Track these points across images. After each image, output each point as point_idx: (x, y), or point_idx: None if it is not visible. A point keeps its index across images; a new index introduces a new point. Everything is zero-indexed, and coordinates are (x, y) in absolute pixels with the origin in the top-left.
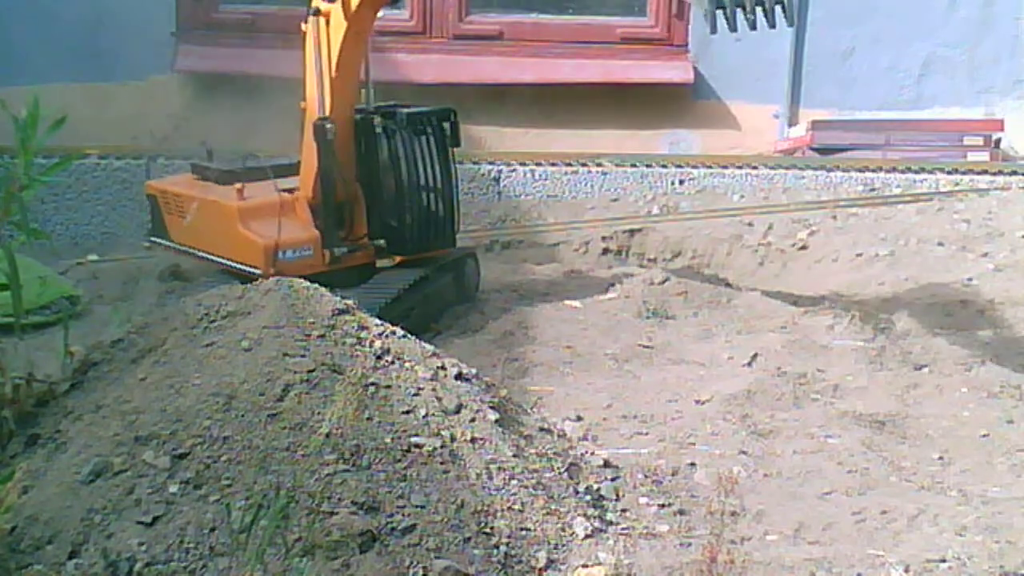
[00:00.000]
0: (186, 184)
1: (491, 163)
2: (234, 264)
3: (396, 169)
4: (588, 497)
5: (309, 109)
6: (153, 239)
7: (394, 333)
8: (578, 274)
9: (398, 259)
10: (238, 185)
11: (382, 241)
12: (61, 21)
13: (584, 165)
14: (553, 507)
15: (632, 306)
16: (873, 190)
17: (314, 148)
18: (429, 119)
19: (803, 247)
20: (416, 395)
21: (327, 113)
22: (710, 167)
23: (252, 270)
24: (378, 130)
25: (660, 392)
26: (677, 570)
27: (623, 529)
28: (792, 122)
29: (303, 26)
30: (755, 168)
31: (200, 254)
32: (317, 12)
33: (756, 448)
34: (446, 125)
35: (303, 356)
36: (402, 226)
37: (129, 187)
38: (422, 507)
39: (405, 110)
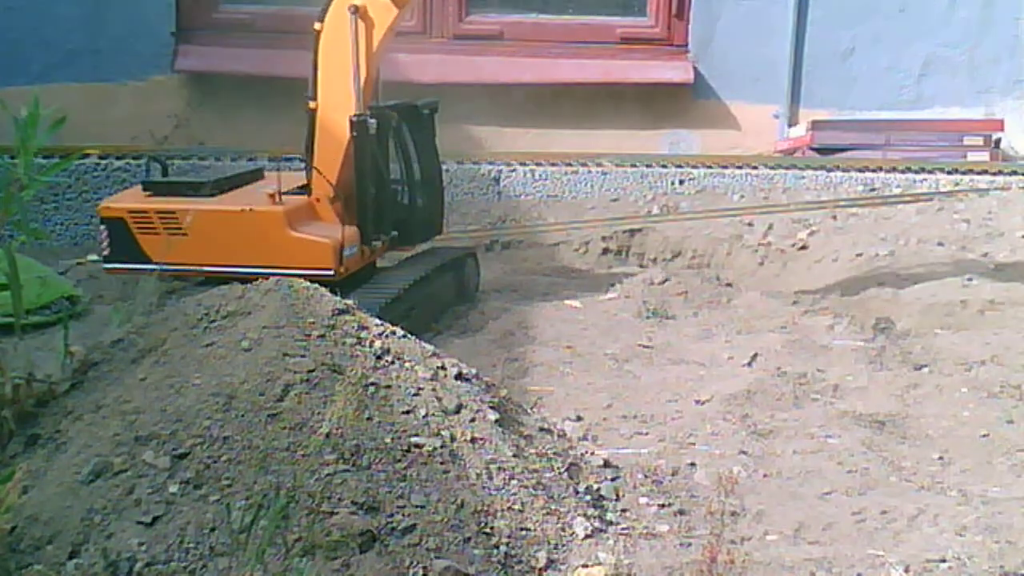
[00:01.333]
0: (160, 200)
1: (491, 163)
2: (283, 271)
3: (408, 162)
4: (588, 497)
5: (324, 107)
6: (119, 265)
7: (394, 333)
8: (578, 274)
9: (409, 251)
10: (269, 190)
11: (395, 233)
12: (61, 21)
13: (584, 165)
14: (553, 507)
15: (632, 306)
16: (873, 190)
17: (341, 145)
18: (428, 112)
19: (803, 247)
20: (416, 395)
21: (363, 109)
22: (710, 167)
23: (319, 273)
24: (393, 124)
25: (660, 392)
26: (677, 570)
27: (623, 529)
28: (792, 122)
29: (316, 25)
30: (755, 168)
31: (216, 269)
32: (356, 9)
33: (756, 448)
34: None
35: (303, 356)
36: (412, 216)
37: (129, 187)
38: (422, 507)
39: (419, 103)
